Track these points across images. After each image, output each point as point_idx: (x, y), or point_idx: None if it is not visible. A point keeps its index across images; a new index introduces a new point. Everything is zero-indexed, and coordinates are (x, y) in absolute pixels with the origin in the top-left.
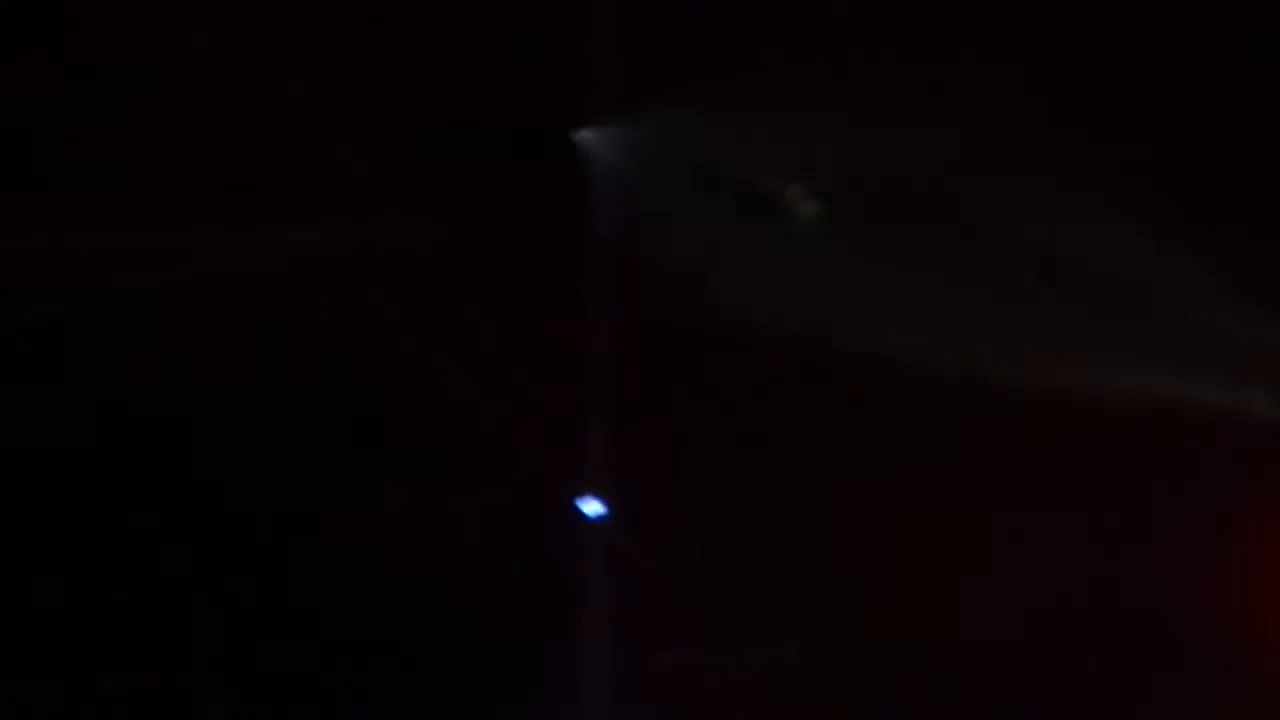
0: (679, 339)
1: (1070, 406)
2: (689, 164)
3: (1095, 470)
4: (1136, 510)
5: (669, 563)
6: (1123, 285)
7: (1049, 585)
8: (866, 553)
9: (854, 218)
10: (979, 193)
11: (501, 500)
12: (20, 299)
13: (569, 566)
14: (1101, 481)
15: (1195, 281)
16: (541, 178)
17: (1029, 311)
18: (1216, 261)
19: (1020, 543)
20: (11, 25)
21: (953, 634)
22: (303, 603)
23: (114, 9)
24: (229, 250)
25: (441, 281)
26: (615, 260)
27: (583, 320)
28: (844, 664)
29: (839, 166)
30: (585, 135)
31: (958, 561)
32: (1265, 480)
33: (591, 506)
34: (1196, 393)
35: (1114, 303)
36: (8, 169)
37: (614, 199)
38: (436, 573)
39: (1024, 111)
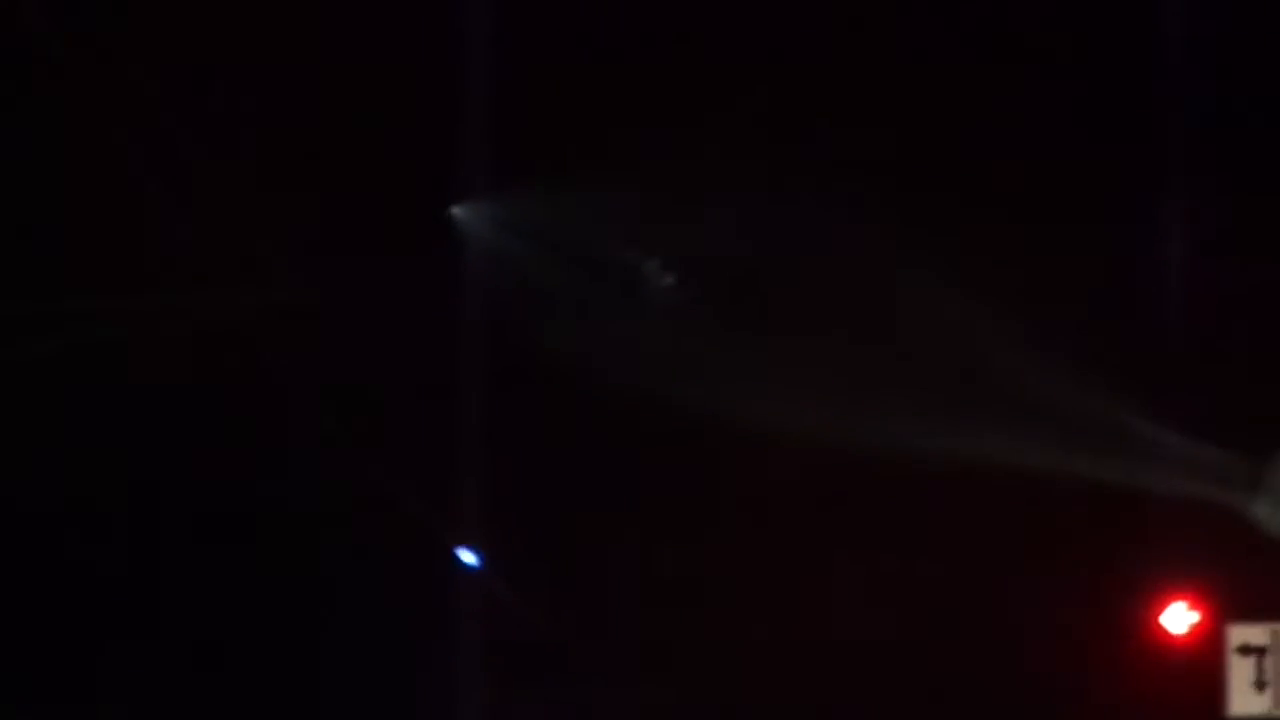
0: (550, 400)
1: (912, 467)
2: (554, 238)
3: (925, 523)
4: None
5: (542, 609)
6: (957, 357)
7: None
8: (737, 597)
9: (710, 289)
10: (821, 269)
11: (379, 551)
12: None
13: (445, 614)
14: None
15: (1022, 354)
16: (419, 249)
17: (867, 378)
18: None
19: (867, 587)
20: None
21: (819, 675)
22: (180, 651)
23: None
24: (134, 315)
25: (327, 344)
26: (488, 324)
27: (459, 382)
28: (716, 706)
29: (692, 242)
30: (459, 211)
31: (821, 606)
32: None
33: (468, 556)
34: (1022, 456)
35: (949, 371)
36: None
37: (486, 270)
38: (314, 618)
39: (864, 197)
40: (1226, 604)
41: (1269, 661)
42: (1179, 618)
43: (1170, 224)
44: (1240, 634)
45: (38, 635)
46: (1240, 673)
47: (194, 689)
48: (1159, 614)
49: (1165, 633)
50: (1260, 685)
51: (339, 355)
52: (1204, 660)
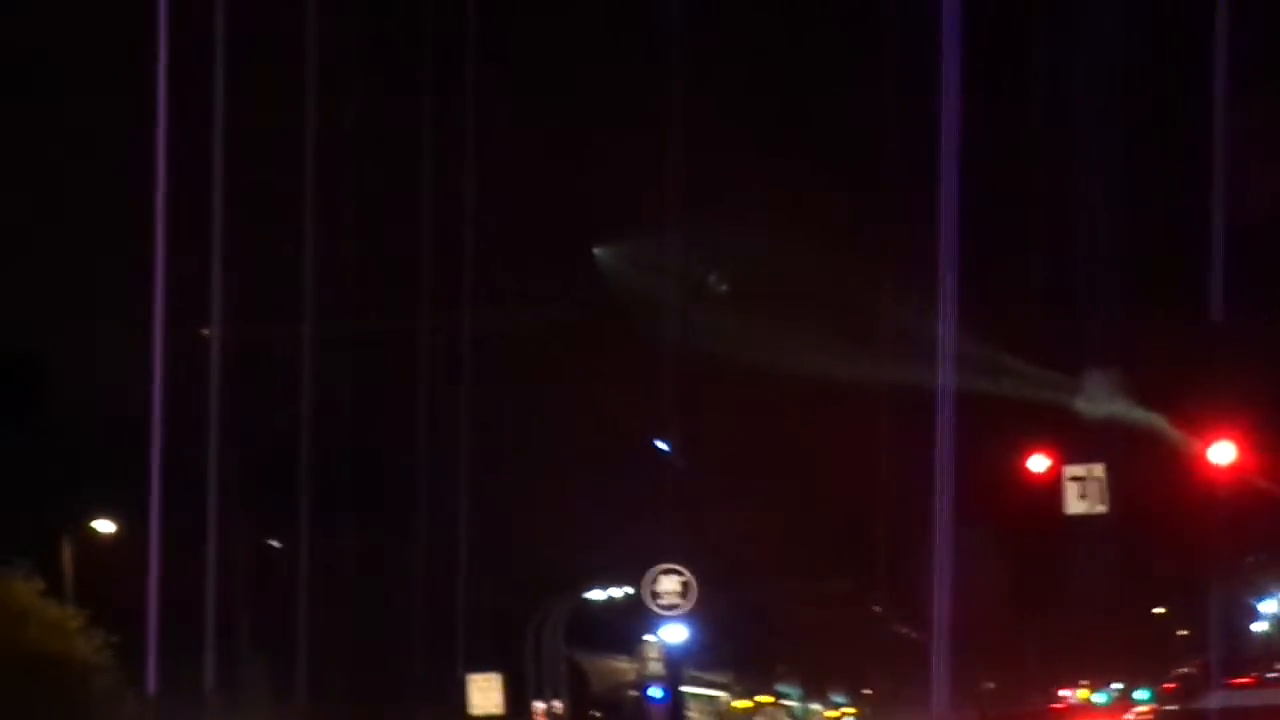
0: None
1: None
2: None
3: None
4: None
5: None
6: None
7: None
8: None
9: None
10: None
11: None
12: None
13: None
14: None
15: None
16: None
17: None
18: None
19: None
20: None
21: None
22: None
23: None
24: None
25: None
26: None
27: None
28: None
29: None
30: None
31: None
32: None
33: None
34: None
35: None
36: None
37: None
38: None
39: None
40: (1063, 454)
41: (1088, 484)
42: (1038, 462)
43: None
44: (1071, 470)
45: None
46: (1072, 491)
47: None
48: (1026, 460)
49: (1031, 471)
50: (1083, 497)
51: None
52: (1053, 485)
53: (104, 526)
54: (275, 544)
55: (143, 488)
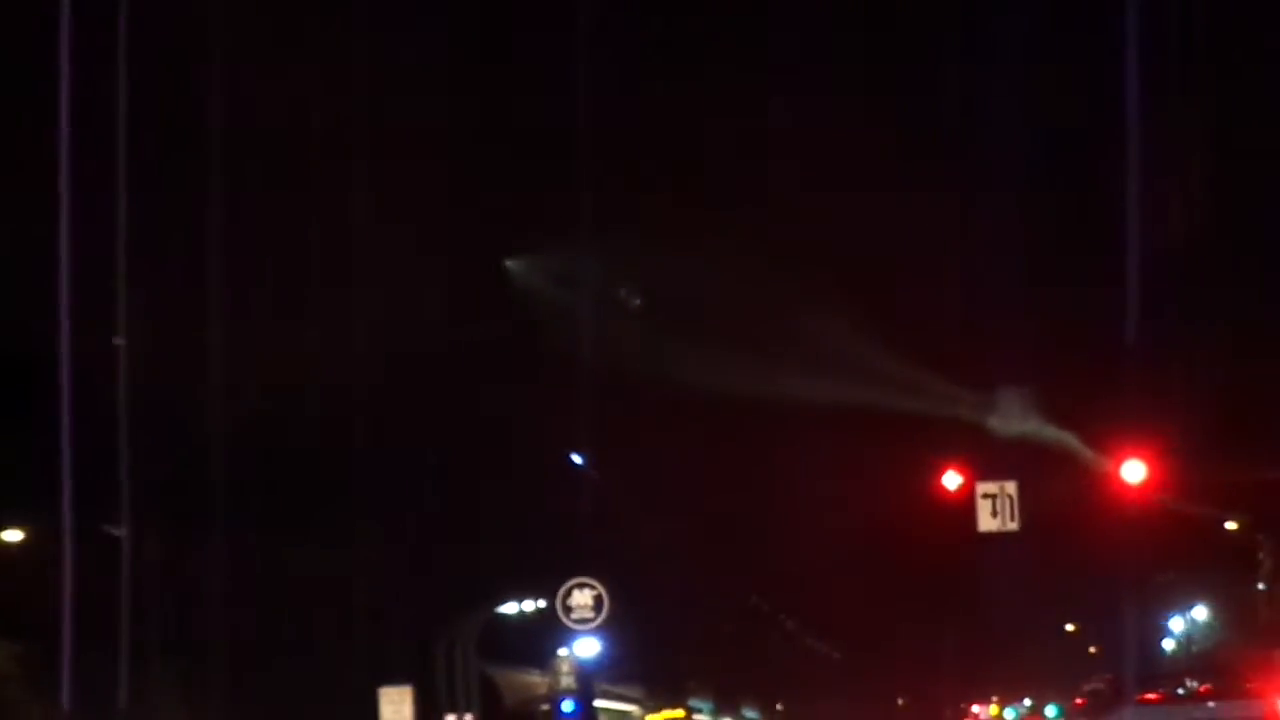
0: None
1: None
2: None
3: None
4: None
5: None
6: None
7: None
8: None
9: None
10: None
11: None
12: None
13: None
14: None
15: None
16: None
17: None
18: None
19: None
20: None
21: None
22: None
23: None
24: None
25: None
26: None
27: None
28: None
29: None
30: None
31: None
32: None
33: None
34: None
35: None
36: None
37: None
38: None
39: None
40: (976, 472)
41: (1000, 502)
42: (952, 479)
43: None
44: (984, 487)
45: None
46: (984, 508)
47: None
48: (940, 477)
49: (944, 488)
50: (995, 514)
51: None
52: (966, 503)
53: (10, 535)
54: (115, 531)
55: (53, 495)
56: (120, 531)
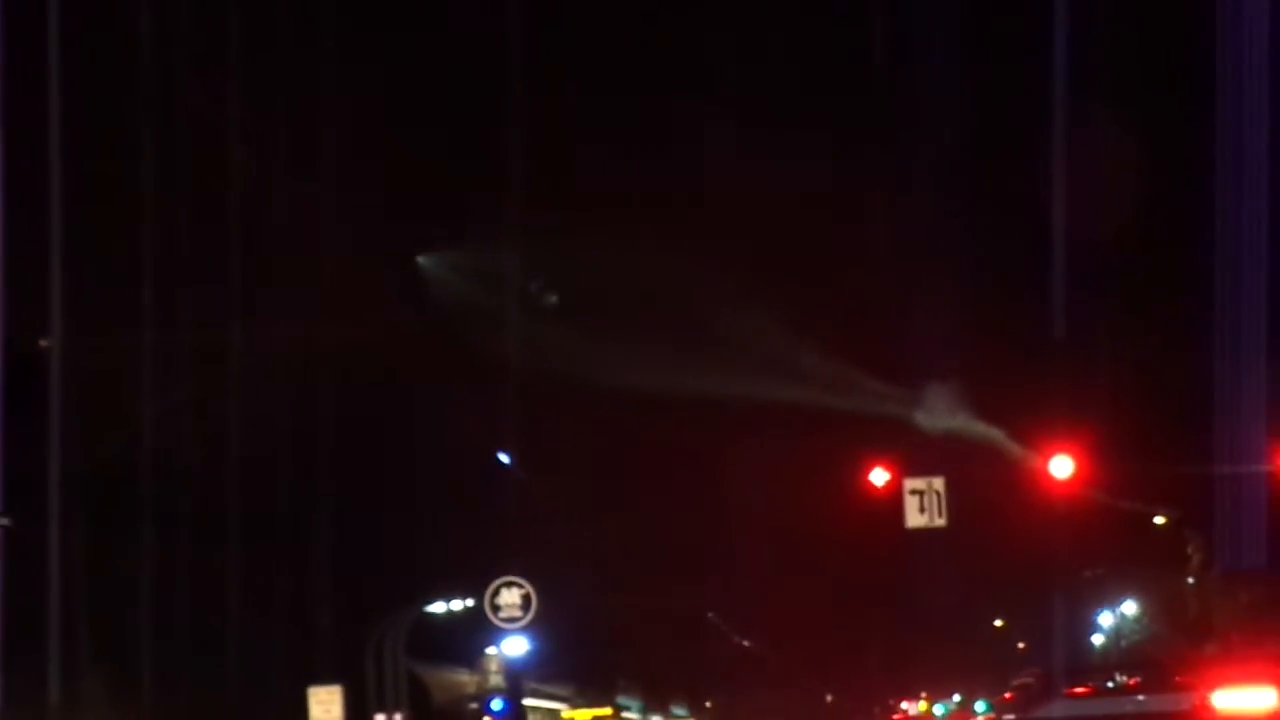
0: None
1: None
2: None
3: None
4: None
5: None
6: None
7: None
8: None
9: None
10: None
11: None
12: None
13: None
14: None
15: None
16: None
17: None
18: None
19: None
20: None
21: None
22: None
23: None
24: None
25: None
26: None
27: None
28: None
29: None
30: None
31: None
32: None
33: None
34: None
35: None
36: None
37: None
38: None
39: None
40: (904, 468)
41: (927, 498)
42: (879, 476)
43: None
44: (911, 484)
45: None
46: (912, 504)
47: None
48: (868, 474)
49: (872, 485)
50: (923, 510)
51: None
52: (894, 499)
53: None
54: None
55: None
56: (5, 521)
